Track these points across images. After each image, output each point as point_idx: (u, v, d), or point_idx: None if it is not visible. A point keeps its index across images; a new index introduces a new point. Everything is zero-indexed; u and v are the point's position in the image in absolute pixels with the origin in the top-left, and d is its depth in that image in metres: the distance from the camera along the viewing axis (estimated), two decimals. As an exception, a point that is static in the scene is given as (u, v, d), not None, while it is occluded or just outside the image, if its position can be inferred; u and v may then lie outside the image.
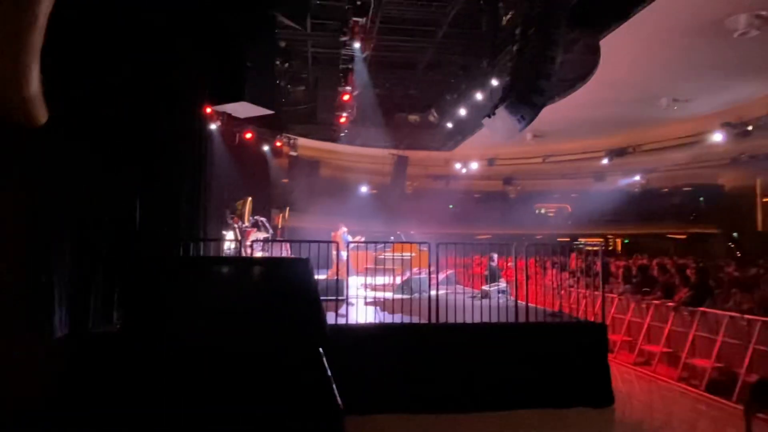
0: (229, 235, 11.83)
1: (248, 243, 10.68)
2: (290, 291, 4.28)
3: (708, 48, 11.22)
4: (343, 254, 10.60)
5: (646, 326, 9.32)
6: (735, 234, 26.39)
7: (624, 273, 12.03)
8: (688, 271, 9.93)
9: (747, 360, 6.94)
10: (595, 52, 11.36)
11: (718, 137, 15.78)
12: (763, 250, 22.28)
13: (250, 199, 11.90)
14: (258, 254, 10.94)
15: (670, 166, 22.66)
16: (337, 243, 9.53)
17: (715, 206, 27.37)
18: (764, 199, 24.50)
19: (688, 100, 15.12)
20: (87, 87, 5.88)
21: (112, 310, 6.58)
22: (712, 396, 7.19)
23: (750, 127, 14.77)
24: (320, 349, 3.96)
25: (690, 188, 28.02)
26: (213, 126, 13.83)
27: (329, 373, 3.82)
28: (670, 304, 8.85)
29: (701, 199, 28.29)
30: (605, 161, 20.82)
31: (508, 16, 12.02)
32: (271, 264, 5.57)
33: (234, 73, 6.59)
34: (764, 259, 14.93)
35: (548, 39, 8.93)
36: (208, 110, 10.86)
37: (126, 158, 6.64)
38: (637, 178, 25.28)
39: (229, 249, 10.93)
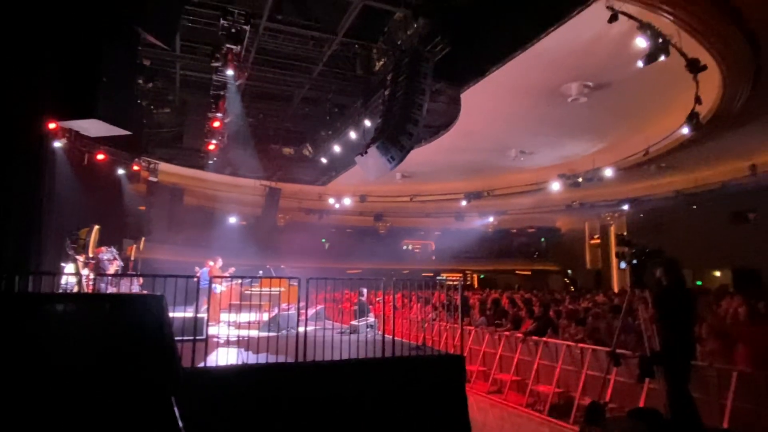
0: (69, 267, 10.37)
1: (92, 277, 9.44)
2: (139, 332, 3.83)
3: (548, 109, 13.00)
4: (217, 288, 9.92)
5: (498, 356, 10.08)
6: (569, 271, 30.24)
7: (480, 306, 12.97)
8: (533, 305, 11.06)
9: (581, 384, 7.84)
10: (457, 103, 12.47)
11: (555, 186, 18.10)
12: (592, 286, 25.83)
13: (97, 227, 10.57)
14: (104, 290, 9.73)
15: (518, 210, 25.48)
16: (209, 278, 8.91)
17: (554, 246, 31.28)
18: (591, 241, 28.55)
19: (532, 152, 17.27)
20: None
21: None
22: (553, 419, 7.95)
23: (580, 179, 17.23)
24: (171, 398, 3.57)
25: (534, 230, 31.70)
26: (57, 144, 12.25)
27: (180, 424, 3.45)
28: (518, 335, 9.72)
29: (543, 239, 32.14)
30: (464, 202, 22.58)
31: (381, 63, 12.70)
32: (117, 301, 4.95)
33: (86, 87, 5.89)
34: (592, 293, 17.25)
35: (416, 87, 9.59)
36: (52, 126, 9.59)
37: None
38: (491, 219, 27.88)
39: (68, 283, 9.54)
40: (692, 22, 7.77)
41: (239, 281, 10.78)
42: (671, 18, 7.64)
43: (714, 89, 10.27)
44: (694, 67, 8.62)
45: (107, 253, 10.29)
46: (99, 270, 9.99)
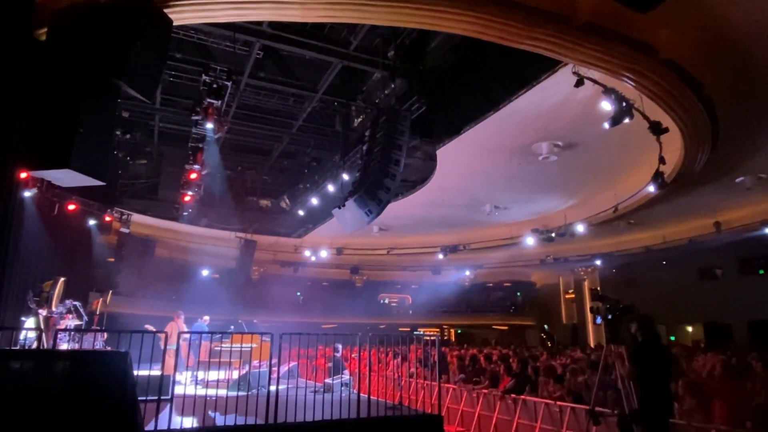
0: (29, 322, 9.87)
1: (52, 332, 8.97)
2: (99, 391, 3.63)
3: (520, 166, 13.40)
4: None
5: (476, 416, 9.80)
6: (546, 326, 30.18)
7: (458, 363, 12.73)
8: (511, 361, 10.90)
9: (560, 445, 7.63)
10: (433, 160, 12.79)
11: (529, 241, 18.37)
12: (569, 341, 25.78)
13: (62, 280, 10.17)
14: (65, 346, 9.24)
15: (493, 264, 25.65)
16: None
17: (530, 301, 31.34)
18: (566, 296, 28.74)
19: (506, 207, 17.62)
20: None
21: None
22: (533, 482, 7.66)
23: (553, 234, 17.55)
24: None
25: (509, 284, 31.80)
26: (27, 193, 11.99)
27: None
28: (496, 392, 9.51)
29: (519, 294, 32.20)
30: (440, 256, 22.64)
31: (359, 119, 13.07)
32: (78, 358, 4.70)
33: (61, 137, 5.84)
34: (570, 349, 17.19)
35: (393, 143, 9.85)
36: (23, 175, 9.41)
37: None
38: (467, 273, 27.94)
39: (26, 339, 9.04)
40: (652, 87, 8.27)
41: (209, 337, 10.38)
42: (632, 84, 8.13)
43: (676, 150, 10.79)
44: (657, 129, 9.09)
45: (61, 307, 9.84)
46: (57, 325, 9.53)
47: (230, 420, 6.18)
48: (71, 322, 10.12)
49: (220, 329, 11.34)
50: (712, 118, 9.49)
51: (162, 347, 8.53)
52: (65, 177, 6.14)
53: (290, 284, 26.07)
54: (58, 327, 9.51)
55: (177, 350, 10.13)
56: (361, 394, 7.35)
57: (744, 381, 6.89)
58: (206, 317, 12.29)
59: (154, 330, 6.95)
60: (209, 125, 10.71)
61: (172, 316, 11.69)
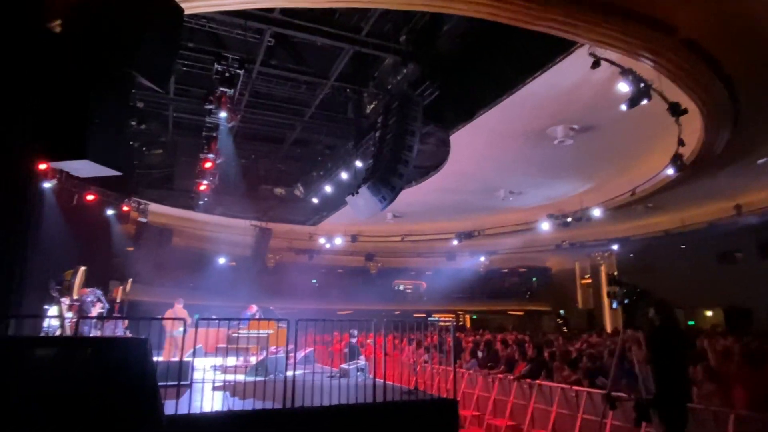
0: (52, 310, 10.12)
1: (74, 320, 9.20)
2: (121, 377, 3.70)
3: (535, 151, 13.24)
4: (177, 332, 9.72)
5: (492, 400, 9.84)
6: (561, 311, 30.02)
7: (473, 348, 12.76)
8: (527, 346, 10.89)
9: (577, 429, 7.64)
10: (446, 145, 12.69)
11: (545, 226, 18.21)
12: (584, 326, 25.60)
13: (83, 269, 10.40)
14: (88, 333, 9.47)
15: (508, 249, 25.51)
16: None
17: (546, 286, 31.15)
18: (582, 281, 28.50)
19: (521, 192, 17.46)
20: None
21: None
22: (549, 466, 7.69)
23: (569, 219, 17.36)
24: (153, 447, 3.42)
25: (525, 270, 31.63)
26: (47, 184, 12.21)
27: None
28: (511, 377, 9.53)
29: (534, 279, 32.03)
30: (455, 242, 22.58)
31: (372, 106, 12.97)
32: (100, 345, 4.80)
33: (77, 128, 5.91)
34: (586, 334, 17.07)
35: (406, 129, 9.78)
36: (43, 166, 9.59)
37: None
38: (482, 259, 27.86)
39: (49, 327, 9.29)
40: (671, 67, 8.07)
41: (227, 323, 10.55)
42: (651, 64, 7.93)
43: (696, 131, 10.54)
44: (676, 110, 8.88)
45: (90, 295, 10.09)
46: (82, 312, 9.77)
47: (249, 404, 6.29)
48: (99, 310, 10.38)
49: (237, 316, 11.52)
50: (733, 98, 9.24)
51: (181, 333, 8.73)
52: (82, 168, 6.21)
53: (306, 271, 26.30)
54: (90, 315, 9.77)
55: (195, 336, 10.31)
56: (377, 379, 7.43)
57: (764, 366, 6.79)
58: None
59: (171, 317, 7.09)
60: (222, 114, 10.75)
61: (184, 303, 11.88)
